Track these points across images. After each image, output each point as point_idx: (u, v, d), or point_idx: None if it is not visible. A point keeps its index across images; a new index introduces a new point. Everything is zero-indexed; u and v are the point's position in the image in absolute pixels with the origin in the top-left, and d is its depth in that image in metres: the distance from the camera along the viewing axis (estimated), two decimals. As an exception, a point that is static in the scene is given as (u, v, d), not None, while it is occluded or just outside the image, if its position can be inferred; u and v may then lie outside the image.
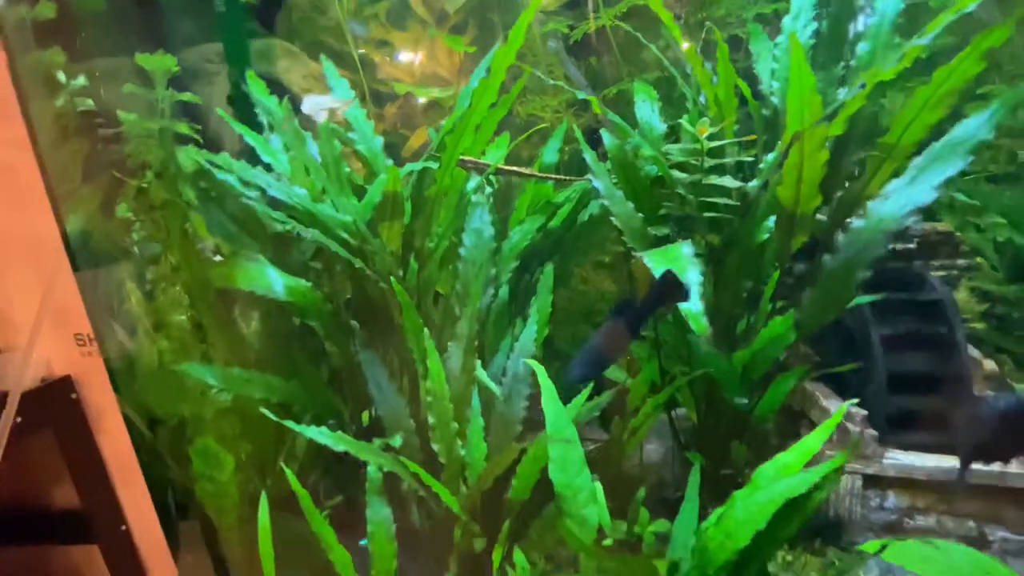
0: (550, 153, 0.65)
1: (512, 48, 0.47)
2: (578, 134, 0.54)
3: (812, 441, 0.37)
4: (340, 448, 0.40)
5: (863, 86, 0.49)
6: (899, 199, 0.42)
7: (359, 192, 0.53)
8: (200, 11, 0.77)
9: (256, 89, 0.54)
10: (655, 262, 0.38)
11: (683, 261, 0.37)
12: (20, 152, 0.50)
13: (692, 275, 0.36)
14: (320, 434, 0.40)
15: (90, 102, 0.46)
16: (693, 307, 0.36)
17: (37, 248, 0.59)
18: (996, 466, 0.44)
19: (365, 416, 0.55)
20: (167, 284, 0.47)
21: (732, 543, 0.34)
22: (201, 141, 0.52)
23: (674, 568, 0.37)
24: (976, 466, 0.44)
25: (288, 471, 0.39)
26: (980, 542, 0.45)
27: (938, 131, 0.52)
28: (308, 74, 0.87)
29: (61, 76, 0.44)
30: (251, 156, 0.64)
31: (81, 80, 0.47)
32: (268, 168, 0.53)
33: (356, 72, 0.82)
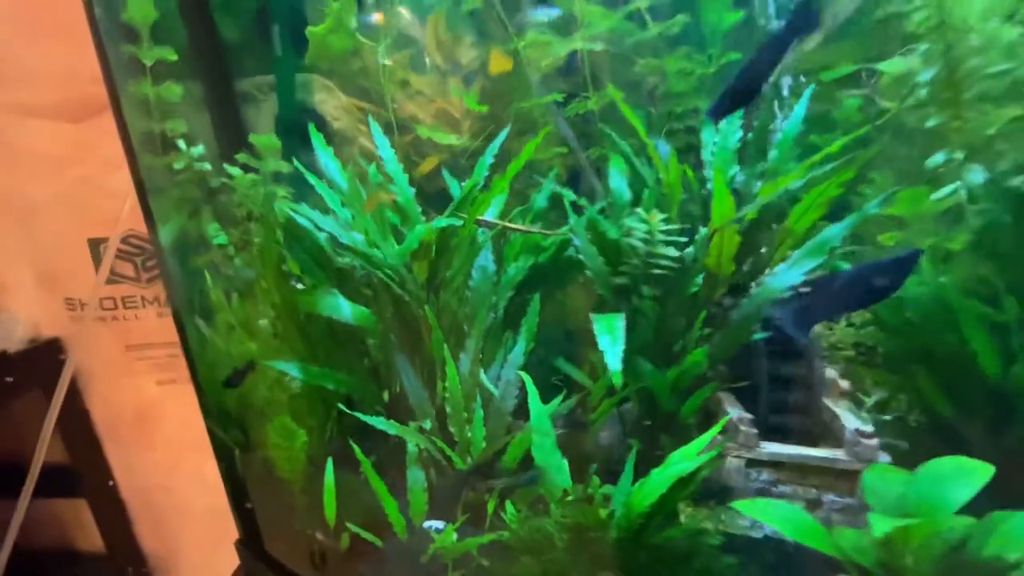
0: (541, 199, 0.82)
1: (521, 160, 0.64)
2: (567, 201, 0.72)
3: (703, 439, 0.57)
4: (393, 433, 0.58)
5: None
6: (782, 278, 0.62)
7: (396, 232, 0.70)
8: (259, 49, 0.90)
9: (320, 150, 0.70)
10: (597, 325, 0.57)
11: (614, 332, 0.56)
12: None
13: (614, 349, 0.55)
14: (379, 422, 0.58)
15: (208, 166, 0.61)
16: (613, 366, 0.55)
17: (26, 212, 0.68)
18: (833, 453, 0.66)
19: (385, 394, 0.72)
20: (259, 302, 0.63)
21: (646, 500, 0.54)
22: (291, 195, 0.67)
23: (611, 515, 0.57)
24: (819, 452, 0.66)
25: (357, 449, 0.57)
26: (816, 503, 0.67)
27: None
28: (339, 105, 1.01)
29: (182, 143, 0.59)
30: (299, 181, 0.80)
31: (200, 148, 0.61)
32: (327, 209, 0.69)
33: (384, 107, 0.96)
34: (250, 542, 0.75)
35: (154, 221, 0.65)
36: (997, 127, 0.60)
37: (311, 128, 0.73)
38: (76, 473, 1.83)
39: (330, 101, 1.00)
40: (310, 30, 0.76)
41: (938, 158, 0.61)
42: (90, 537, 2.05)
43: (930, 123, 0.61)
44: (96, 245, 1.70)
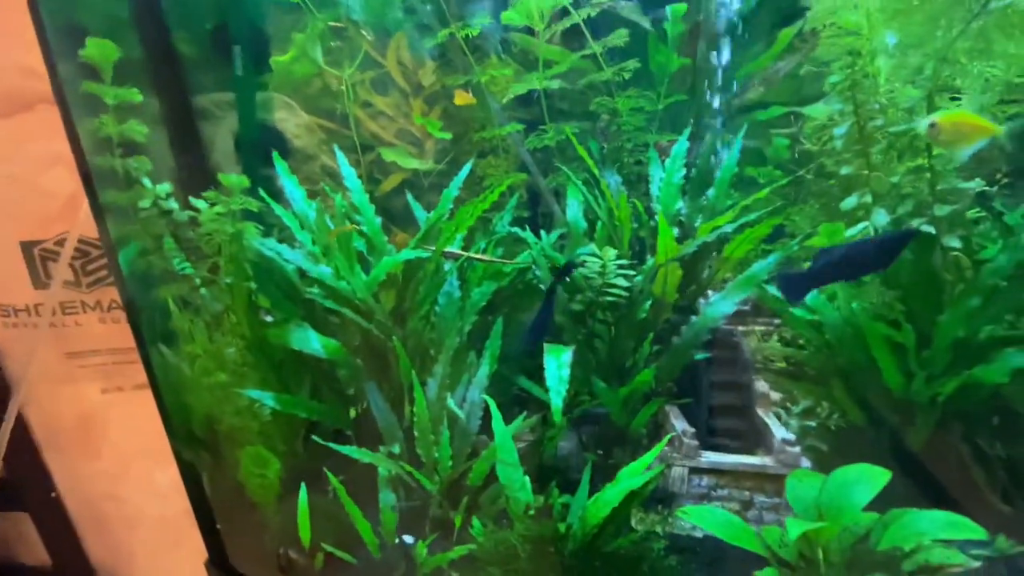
0: (502, 225, 0.86)
1: (488, 202, 0.68)
2: (533, 251, 0.76)
3: (650, 455, 0.63)
4: (366, 460, 0.61)
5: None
6: (716, 307, 0.69)
7: (362, 260, 0.73)
8: (216, 66, 0.89)
9: (286, 179, 0.71)
10: (547, 356, 0.62)
11: (562, 368, 0.62)
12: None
13: (559, 388, 0.61)
14: (352, 451, 0.61)
15: (174, 204, 0.61)
16: (555, 403, 0.61)
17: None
18: (763, 460, 0.74)
19: (352, 411, 0.75)
20: (227, 334, 0.65)
21: (600, 513, 0.60)
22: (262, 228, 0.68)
23: (568, 528, 0.62)
24: (752, 460, 0.75)
25: (331, 475, 0.60)
26: (749, 503, 0.76)
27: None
28: (301, 124, 1.02)
29: (147, 181, 0.58)
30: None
31: (167, 186, 0.62)
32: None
33: (349, 128, 0.97)
34: (220, 562, 0.76)
35: (107, 230, 0.64)
36: (899, 176, 0.68)
37: (276, 158, 0.74)
38: (16, 486, 1.74)
39: (291, 120, 1.00)
40: (274, 60, 0.77)
41: (851, 201, 0.70)
42: (34, 551, 1.96)
43: (843, 171, 0.70)
44: (29, 248, 1.60)
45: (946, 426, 0.68)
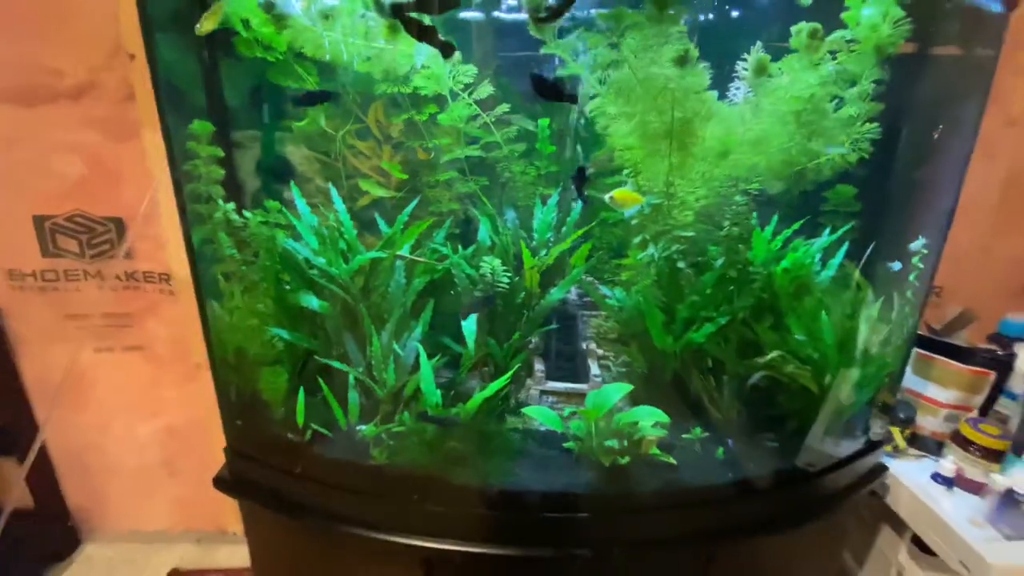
0: (440, 237, 1.31)
1: (423, 226, 1.13)
2: (452, 258, 1.22)
3: (505, 377, 1.10)
4: (351, 376, 1.05)
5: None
6: (553, 296, 1.17)
7: (344, 257, 1.17)
8: (250, 112, 1.30)
9: (297, 199, 1.14)
10: (464, 325, 1.08)
11: (471, 330, 1.08)
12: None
13: (471, 340, 1.07)
14: (337, 364, 1.05)
15: (237, 218, 1.03)
16: (470, 347, 1.07)
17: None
18: (584, 386, 1.23)
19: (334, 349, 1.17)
20: (259, 296, 1.07)
21: (476, 403, 1.06)
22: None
23: (457, 413, 1.09)
24: (577, 386, 1.23)
25: (326, 388, 1.03)
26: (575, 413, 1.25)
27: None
28: (303, 156, 1.43)
29: (220, 201, 0.99)
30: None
31: (232, 205, 1.03)
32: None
33: (337, 161, 1.39)
34: (236, 448, 1.17)
35: (188, 223, 1.04)
36: (662, 227, 1.19)
37: (293, 187, 1.17)
38: (6, 432, 2.05)
39: (297, 153, 1.42)
40: (296, 125, 1.20)
41: (637, 239, 1.20)
42: (20, 493, 2.26)
43: (634, 222, 1.19)
44: (41, 222, 1.95)
45: (683, 366, 1.18)
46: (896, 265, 1.12)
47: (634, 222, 1.15)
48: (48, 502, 2.25)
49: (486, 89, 1.14)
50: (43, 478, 2.25)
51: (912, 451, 1.51)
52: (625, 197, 1.03)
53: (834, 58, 0.87)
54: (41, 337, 2.02)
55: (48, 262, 1.91)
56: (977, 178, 2.07)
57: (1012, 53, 1.69)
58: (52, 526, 2.22)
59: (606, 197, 1.03)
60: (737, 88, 0.97)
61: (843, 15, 0.84)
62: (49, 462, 2.28)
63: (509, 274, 1.17)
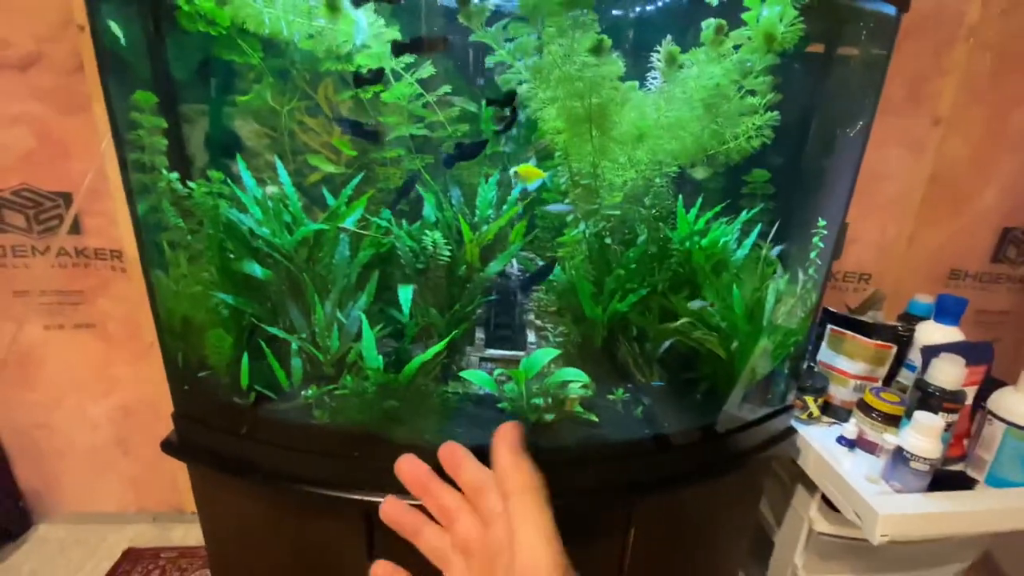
0: (384, 213, 1.37)
1: (364, 200, 1.19)
2: (396, 232, 1.28)
3: (444, 342, 1.18)
4: (295, 343, 1.10)
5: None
6: (490, 269, 1.25)
7: (288, 228, 1.22)
8: (198, 87, 1.33)
9: (243, 171, 1.18)
10: (400, 292, 1.15)
11: (407, 297, 1.15)
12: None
13: (406, 308, 1.14)
14: (279, 332, 1.10)
15: (181, 188, 1.06)
16: (405, 316, 1.14)
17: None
18: (521, 353, 1.32)
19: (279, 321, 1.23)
20: (205, 264, 1.11)
21: (414, 366, 1.13)
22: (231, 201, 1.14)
23: (395, 377, 1.15)
24: (515, 353, 1.31)
25: (270, 353, 1.09)
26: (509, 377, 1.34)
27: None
28: (252, 131, 1.46)
29: (163, 170, 1.03)
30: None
31: (176, 175, 1.06)
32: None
33: (284, 136, 1.43)
34: (183, 413, 1.22)
35: (134, 201, 1.07)
36: (592, 207, 1.28)
37: (239, 160, 1.21)
38: None
39: (245, 127, 1.45)
40: (239, 99, 1.23)
41: (570, 218, 1.29)
42: (-34, 474, 2.20)
43: (567, 201, 1.28)
44: None
45: (611, 333, 1.28)
46: (776, 249, 1.25)
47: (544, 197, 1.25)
48: (-1, 482, 2.22)
49: (428, 70, 1.20)
50: (-11, 457, 2.22)
51: (825, 419, 1.65)
52: (528, 172, 1.13)
53: (736, 52, 0.97)
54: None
55: (-8, 238, 1.88)
56: (904, 173, 2.24)
57: (939, 56, 1.85)
58: (3, 506, 2.20)
59: (511, 171, 1.12)
60: (653, 78, 1.06)
61: (744, 15, 0.94)
62: (-2, 442, 2.25)
63: (450, 247, 1.24)
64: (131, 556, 1.90)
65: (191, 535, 2.11)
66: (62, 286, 2.01)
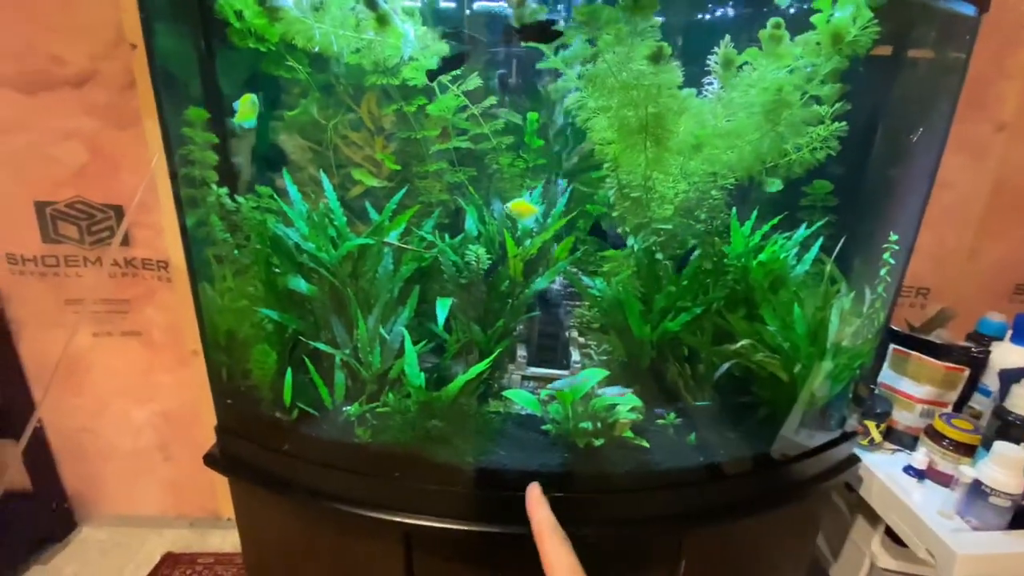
0: (427, 227, 1.35)
1: (410, 214, 1.17)
2: (440, 246, 1.26)
3: (487, 361, 1.14)
4: (338, 357, 1.09)
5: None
6: (536, 284, 1.21)
7: (333, 242, 1.21)
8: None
9: (289, 185, 1.18)
10: (438, 305, 1.12)
11: (444, 309, 1.11)
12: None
13: (441, 321, 1.11)
14: (323, 346, 1.09)
15: (231, 203, 1.07)
16: (440, 329, 1.11)
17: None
18: (565, 372, 1.26)
19: (323, 335, 1.22)
20: (250, 278, 1.11)
21: (457, 387, 1.10)
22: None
23: (438, 396, 1.12)
24: (559, 372, 1.27)
25: (313, 369, 1.07)
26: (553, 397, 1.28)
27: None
28: (296, 145, 1.47)
29: (213, 186, 1.03)
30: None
31: (225, 189, 1.07)
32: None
33: (328, 150, 1.43)
34: (226, 427, 1.21)
35: (183, 213, 1.08)
36: (642, 220, 1.22)
37: (285, 175, 1.21)
38: (6, 414, 2.09)
39: (290, 142, 1.46)
40: (287, 115, 1.23)
41: (619, 231, 1.24)
42: (17, 476, 2.30)
43: (615, 214, 1.23)
44: (43, 207, 2.00)
45: (660, 354, 1.22)
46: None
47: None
48: (46, 484, 2.30)
49: (474, 82, 1.18)
50: (41, 461, 2.29)
51: (887, 445, 1.54)
52: (521, 208, 1.10)
53: (801, 56, 0.91)
54: (40, 321, 2.07)
55: (48, 247, 1.96)
56: (966, 181, 2.10)
57: (1002, 59, 1.73)
58: (48, 508, 2.26)
59: (504, 207, 1.09)
60: (709, 83, 1.01)
61: (812, 18, 0.88)
62: (47, 445, 2.32)
63: (493, 260, 1.20)
64: (169, 561, 1.93)
65: (228, 541, 2.13)
66: (111, 295, 2.06)
